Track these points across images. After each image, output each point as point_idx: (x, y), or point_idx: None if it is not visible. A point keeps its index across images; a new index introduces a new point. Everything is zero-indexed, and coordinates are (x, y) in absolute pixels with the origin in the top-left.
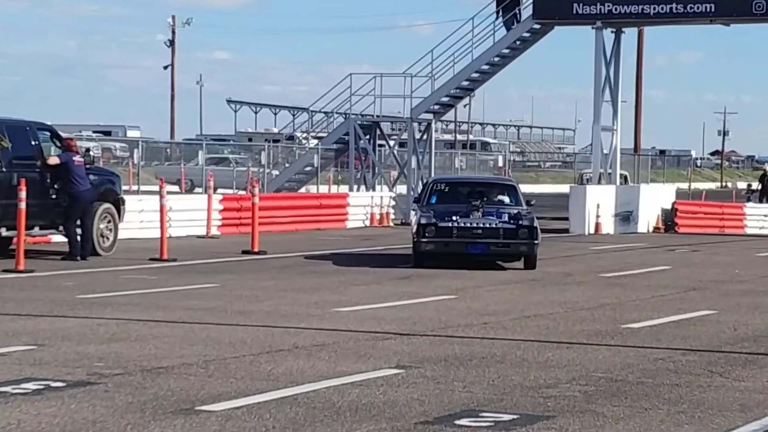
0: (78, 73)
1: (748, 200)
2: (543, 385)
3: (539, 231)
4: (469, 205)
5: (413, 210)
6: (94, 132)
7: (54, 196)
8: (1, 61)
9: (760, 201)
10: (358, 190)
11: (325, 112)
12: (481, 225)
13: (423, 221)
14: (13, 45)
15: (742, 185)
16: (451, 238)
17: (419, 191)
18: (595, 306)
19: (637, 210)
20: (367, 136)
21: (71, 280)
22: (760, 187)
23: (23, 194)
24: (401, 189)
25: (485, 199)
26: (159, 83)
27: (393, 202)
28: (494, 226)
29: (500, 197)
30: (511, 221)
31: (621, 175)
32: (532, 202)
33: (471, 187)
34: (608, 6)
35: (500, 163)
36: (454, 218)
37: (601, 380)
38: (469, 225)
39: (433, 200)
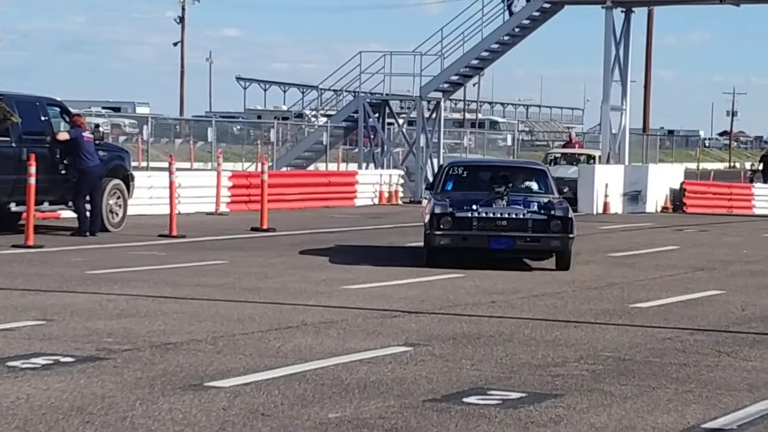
0: (87, 49)
1: (751, 181)
2: (551, 364)
3: (575, 223)
4: (491, 193)
5: (425, 198)
6: (104, 108)
7: (63, 172)
8: (11, 37)
9: (765, 181)
10: (366, 168)
11: (334, 90)
12: (506, 215)
13: (437, 210)
14: (22, 21)
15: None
16: (470, 230)
17: (433, 176)
18: (603, 285)
19: (645, 190)
20: (376, 114)
21: (80, 256)
22: (761, 167)
23: (33, 169)
24: (410, 167)
25: (510, 185)
26: (168, 60)
27: (401, 180)
28: (522, 216)
29: (527, 183)
30: (542, 211)
31: (590, 156)
32: (565, 190)
33: (493, 172)
34: None
35: (574, 138)
36: (474, 207)
37: (609, 359)
38: (491, 215)
39: (449, 186)
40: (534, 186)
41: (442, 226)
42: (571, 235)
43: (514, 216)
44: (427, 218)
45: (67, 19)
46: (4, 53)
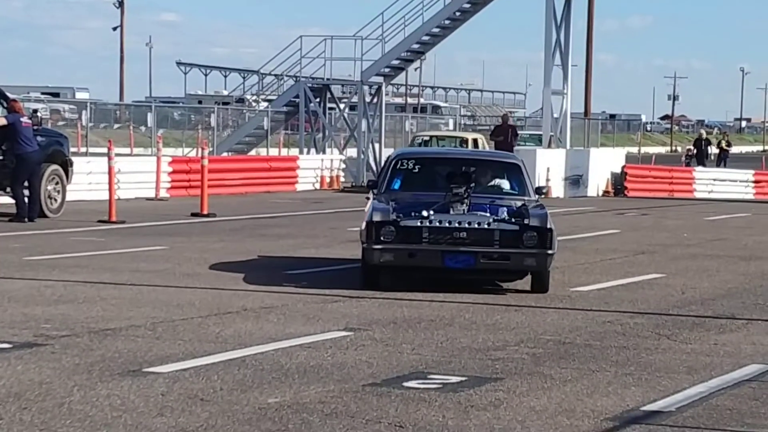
0: (24, 34)
1: (687, 165)
2: (491, 348)
3: (555, 235)
4: (449, 194)
5: (367, 198)
6: (42, 93)
7: (1, 158)
8: None
9: (699, 164)
10: (308, 152)
11: (275, 75)
12: (467, 225)
13: (377, 218)
14: None
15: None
16: (419, 244)
17: (377, 172)
18: None
19: (587, 174)
20: (318, 99)
21: (18, 242)
22: (695, 152)
23: None
24: (351, 152)
25: (473, 184)
26: (108, 45)
27: (343, 165)
28: (486, 226)
29: (496, 181)
30: (513, 219)
31: (473, 139)
32: (544, 190)
33: (453, 166)
34: None
35: (509, 121)
36: (424, 214)
37: (549, 343)
38: (447, 225)
39: (396, 185)
40: (505, 185)
41: (382, 239)
42: (550, 251)
43: (476, 226)
44: (363, 226)
45: (1, 4)
46: None
